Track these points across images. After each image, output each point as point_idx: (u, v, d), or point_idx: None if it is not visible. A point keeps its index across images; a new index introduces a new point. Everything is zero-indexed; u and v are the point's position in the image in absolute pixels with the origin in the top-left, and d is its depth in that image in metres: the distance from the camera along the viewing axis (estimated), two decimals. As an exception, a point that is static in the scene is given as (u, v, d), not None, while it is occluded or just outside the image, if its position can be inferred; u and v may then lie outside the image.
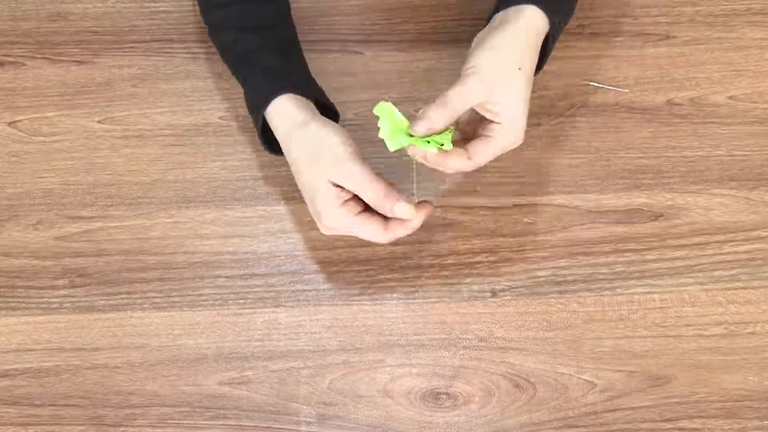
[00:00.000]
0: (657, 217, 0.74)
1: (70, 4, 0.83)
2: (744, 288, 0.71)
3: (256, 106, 0.69)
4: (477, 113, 0.66)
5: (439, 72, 0.80)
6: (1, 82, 0.80)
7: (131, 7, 0.83)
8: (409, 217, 0.64)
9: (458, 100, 0.63)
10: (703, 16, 0.82)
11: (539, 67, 0.70)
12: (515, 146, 0.66)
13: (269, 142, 0.71)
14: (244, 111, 0.78)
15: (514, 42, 0.66)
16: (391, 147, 0.64)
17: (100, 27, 0.82)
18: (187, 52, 0.81)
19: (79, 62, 0.81)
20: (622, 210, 0.74)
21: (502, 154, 0.66)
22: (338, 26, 0.82)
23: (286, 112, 0.67)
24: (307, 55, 0.79)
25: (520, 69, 0.65)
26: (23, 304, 0.72)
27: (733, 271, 0.72)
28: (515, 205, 0.74)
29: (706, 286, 0.72)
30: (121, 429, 0.68)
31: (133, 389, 0.69)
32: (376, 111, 0.64)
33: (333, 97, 0.78)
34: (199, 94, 0.79)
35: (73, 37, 0.82)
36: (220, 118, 0.78)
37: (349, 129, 0.77)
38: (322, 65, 0.78)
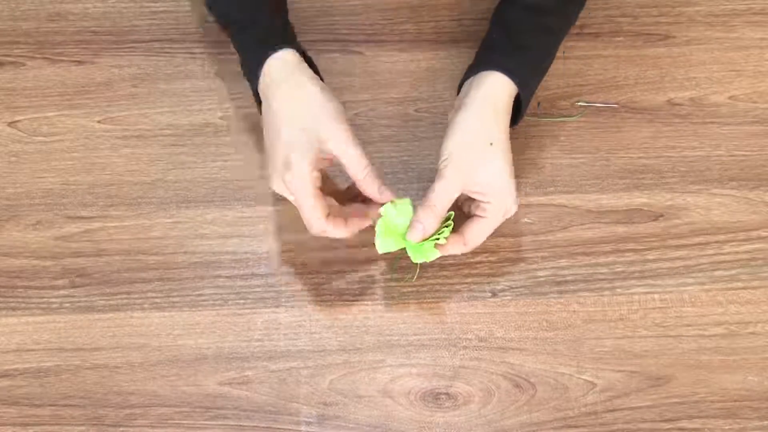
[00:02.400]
0: (657, 217, 0.74)
1: (70, 4, 0.83)
2: (744, 288, 0.71)
3: (256, 63, 0.68)
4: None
5: (439, 72, 0.80)
6: (1, 82, 0.80)
7: (131, 7, 0.83)
8: (385, 199, 0.65)
9: (442, 198, 0.65)
10: (703, 16, 0.82)
11: (516, 121, 0.72)
12: (509, 215, 0.68)
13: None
14: (244, 111, 0.78)
15: (480, 119, 0.67)
16: (381, 249, 0.66)
17: (100, 27, 0.82)
18: (187, 52, 0.81)
19: (79, 62, 0.81)
20: (622, 210, 0.74)
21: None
22: (338, 26, 0.82)
23: (284, 66, 0.67)
24: (307, 55, 0.79)
25: (492, 144, 0.66)
26: (23, 304, 0.72)
27: (734, 271, 0.72)
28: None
29: (706, 286, 0.72)
30: (121, 429, 0.68)
31: (133, 389, 0.69)
32: (381, 211, 0.66)
33: (333, 97, 0.78)
34: (199, 94, 0.79)
35: (73, 37, 0.82)
36: (220, 118, 0.78)
37: (349, 129, 0.77)
38: (322, 65, 0.78)
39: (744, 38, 0.81)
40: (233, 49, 0.79)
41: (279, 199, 0.75)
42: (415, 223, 0.65)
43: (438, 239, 0.66)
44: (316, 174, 0.65)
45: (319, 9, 0.81)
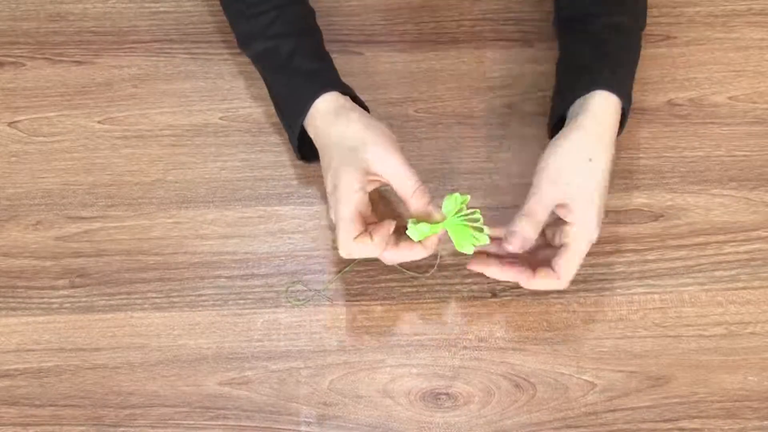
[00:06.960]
0: (657, 217, 0.74)
1: (70, 4, 0.83)
2: (744, 288, 0.71)
3: (298, 108, 0.69)
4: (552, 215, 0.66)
5: (439, 72, 0.80)
6: (1, 82, 0.80)
7: (131, 7, 0.83)
8: (438, 218, 0.65)
9: (539, 207, 0.65)
10: (703, 16, 0.82)
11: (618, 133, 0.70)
12: (593, 241, 0.66)
13: (302, 149, 0.72)
14: (244, 111, 0.78)
15: (584, 136, 0.66)
16: (416, 237, 0.65)
17: (100, 27, 0.82)
18: (187, 52, 0.81)
19: (79, 62, 0.81)
20: (622, 210, 0.74)
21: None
22: (338, 26, 0.82)
23: (329, 109, 0.68)
24: (307, 55, 0.79)
25: (591, 160, 0.65)
26: (23, 305, 0.72)
27: (734, 272, 0.72)
28: (516, 206, 0.74)
29: (706, 287, 0.72)
30: (121, 429, 0.68)
31: (133, 389, 0.69)
32: (446, 200, 0.66)
33: (333, 97, 0.78)
34: (199, 94, 0.79)
35: (73, 37, 0.82)
36: (220, 118, 0.78)
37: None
38: (322, 65, 0.78)
39: (744, 39, 0.81)
40: (232, 49, 0.79)
41: (279, 200, 0.75)
42: (515, 232, 0.64)
43: (474, 220, 0.66)
44: (360, 195, 0.64)
45: (319, 9, 0.81)
